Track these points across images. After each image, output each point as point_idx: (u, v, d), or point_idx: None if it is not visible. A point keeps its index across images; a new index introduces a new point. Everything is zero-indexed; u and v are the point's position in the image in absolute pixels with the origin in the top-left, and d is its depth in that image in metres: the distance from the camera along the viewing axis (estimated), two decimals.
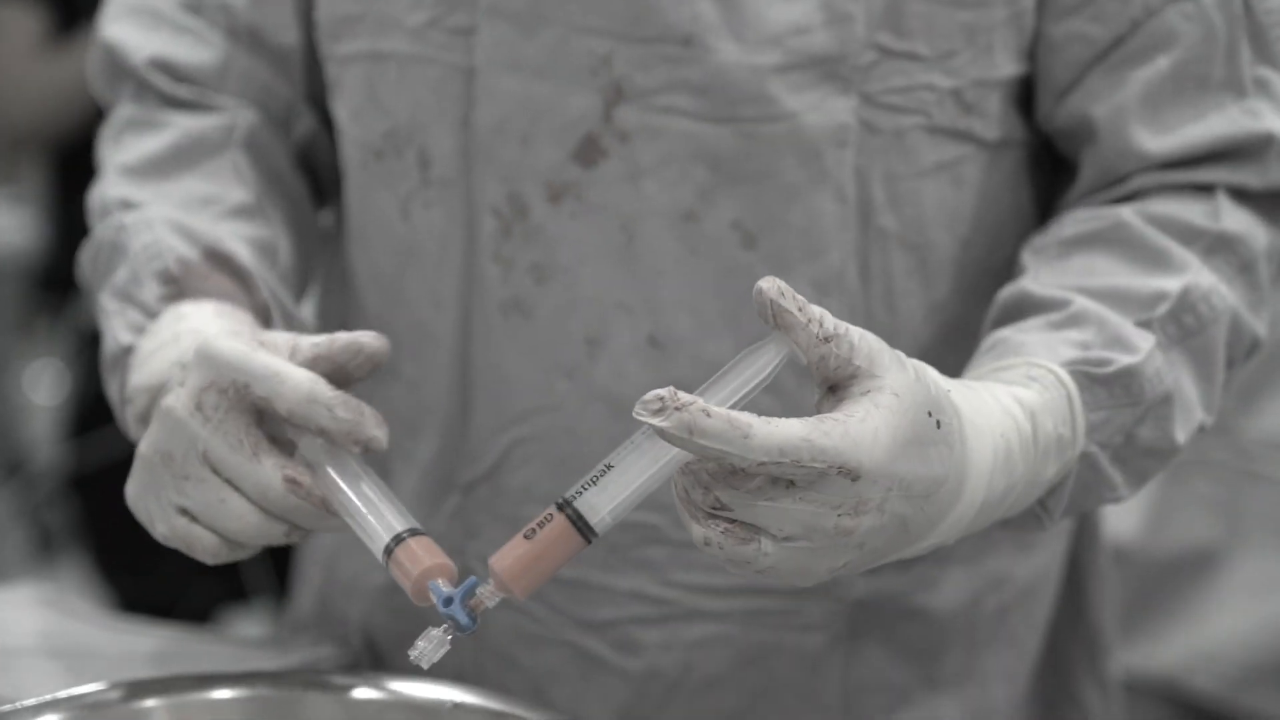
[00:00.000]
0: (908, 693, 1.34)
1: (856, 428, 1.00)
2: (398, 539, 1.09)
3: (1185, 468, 2.07)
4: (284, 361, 1.11)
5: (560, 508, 1.03)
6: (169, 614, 2.75)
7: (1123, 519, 2.09)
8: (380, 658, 1.39)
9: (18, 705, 1.17)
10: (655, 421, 0.98)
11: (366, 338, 1.14)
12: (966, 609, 1.35)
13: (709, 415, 0.98)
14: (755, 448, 0.98)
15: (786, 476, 0.99)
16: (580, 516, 1.03)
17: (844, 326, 1.02)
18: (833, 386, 1.03)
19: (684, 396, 0.98)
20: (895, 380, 1.02)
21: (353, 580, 1.41)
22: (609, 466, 1.03)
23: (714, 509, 1.01)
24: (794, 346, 1.02)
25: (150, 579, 2.99)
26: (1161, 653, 2.10)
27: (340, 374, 1.14)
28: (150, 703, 1.19)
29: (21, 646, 1.34)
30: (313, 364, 1.13)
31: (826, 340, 1.02)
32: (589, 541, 1.03)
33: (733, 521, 1.01)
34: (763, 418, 0.99)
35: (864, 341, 1.03)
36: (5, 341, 3.51)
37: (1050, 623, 1.43)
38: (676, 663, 1.31)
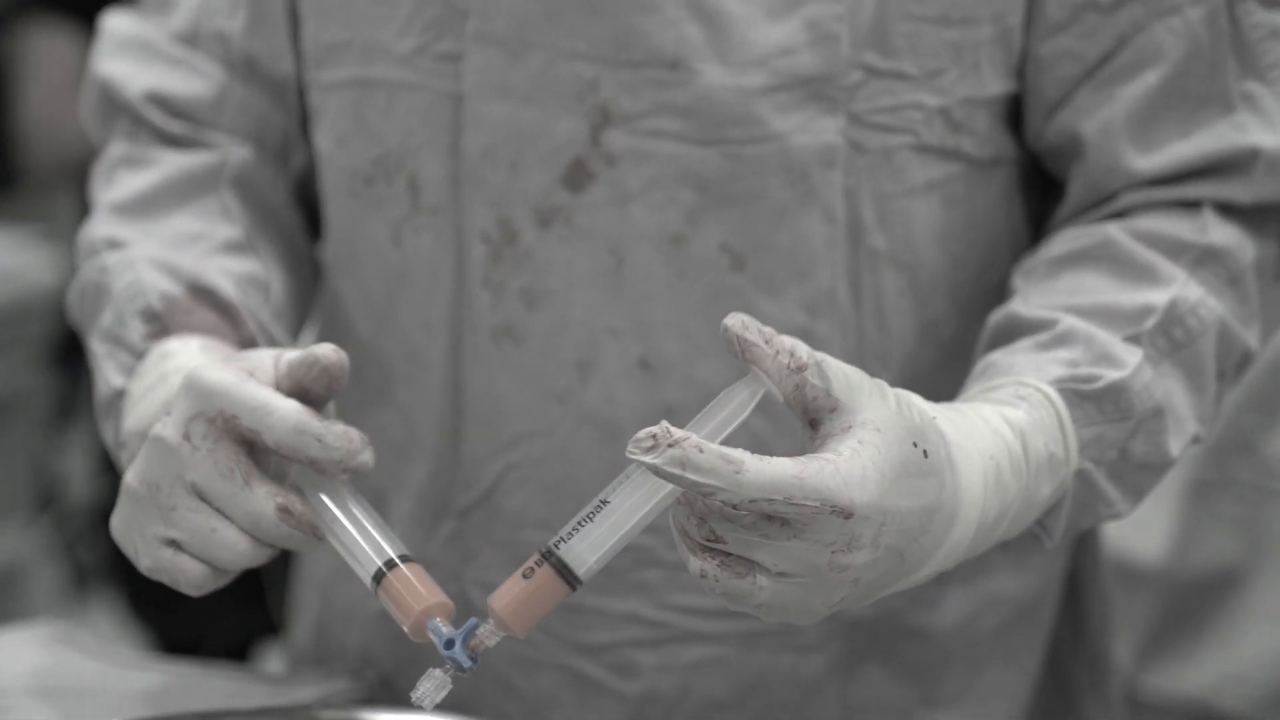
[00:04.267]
0: (907, 712, 1.34)
1: (846, 466, 1.00)
2: (389, 564, 1.09)
3: (1209, 487, 2.05)
4: (272, 392, 1.11)
5: (546, 556, 1.04)
6: (200, 650, 2.76)
7: (1147, 540, 2.08)
8: (384, 686, 1.39)
9: None
10: (647, 459, 0.98)
11: (322, 350, 1.13)
12: (965, 627, 1.35)
13: (702, 451, 0.98)
14: (747, 484, 0.98)
15: (779, 514, 0.99)
16: (565, 566, 1.03)
17: (819, 356, 1.03)
18: (813, 421, 1.04)
19: (676, 432, 0.99)
20: (876, 414, 1.02)
21: (350, 608, 1.40)
22: (604, 502, 1.03)
23: (709, 541, 1.01)
24: (766, 381, 1.02)
25: (183, 615, 2.99)
26: (1190, 674, 2.08)
27: (301, 391, 1.13)
28: None
29: (15, 687, 1.32)
30: (280, 382, 1.13)
31: (799, 370, 1.02)
32: (573, 588, 1.04)
33: (729, 555, 1.01)
34: (755, 455, 0.99)
35: (841, 372, 1.03)
36: (38, 378, 3.51)
37: (1051, 641, 1.42)
38: (674, 685, 1.31)
